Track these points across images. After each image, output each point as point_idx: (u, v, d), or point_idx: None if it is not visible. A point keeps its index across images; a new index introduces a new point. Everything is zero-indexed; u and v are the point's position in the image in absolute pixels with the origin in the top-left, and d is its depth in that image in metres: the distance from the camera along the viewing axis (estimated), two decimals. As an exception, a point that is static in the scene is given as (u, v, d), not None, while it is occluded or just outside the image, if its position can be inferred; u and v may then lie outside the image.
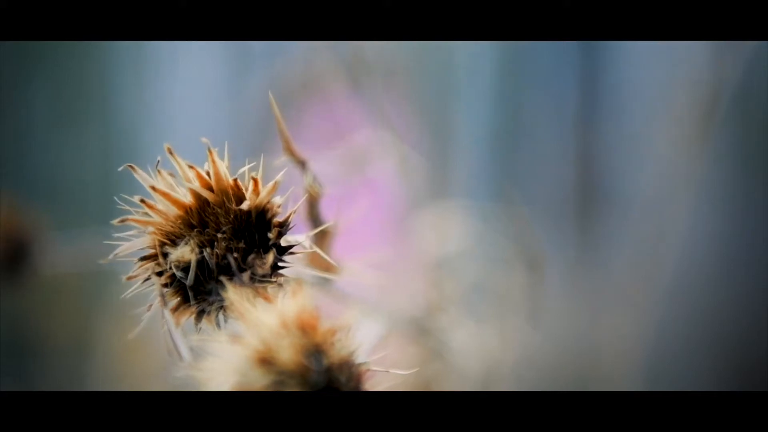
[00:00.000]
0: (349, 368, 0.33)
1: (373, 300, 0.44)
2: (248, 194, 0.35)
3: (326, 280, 0.39)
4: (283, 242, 0.35)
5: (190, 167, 0.35)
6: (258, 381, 0.31)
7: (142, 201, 0.35)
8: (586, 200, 1.25)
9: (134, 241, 0.35)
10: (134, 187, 0.36)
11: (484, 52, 1.25)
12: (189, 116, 1.25)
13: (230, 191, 0.35)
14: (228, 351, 0.32)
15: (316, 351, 0.32)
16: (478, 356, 0.58)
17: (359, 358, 0.34)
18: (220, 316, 0.35)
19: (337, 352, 0.32)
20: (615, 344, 0.93)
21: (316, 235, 0.38)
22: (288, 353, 0.31)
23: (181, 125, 1.24)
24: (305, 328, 0.32)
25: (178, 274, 0.34)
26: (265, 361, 0.31)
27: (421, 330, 0.55)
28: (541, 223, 1.17)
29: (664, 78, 1.09)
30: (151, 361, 0.90)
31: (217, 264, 0.34)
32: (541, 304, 0.65)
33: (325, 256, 0.37)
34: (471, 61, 1.25)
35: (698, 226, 1.14)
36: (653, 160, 1.01)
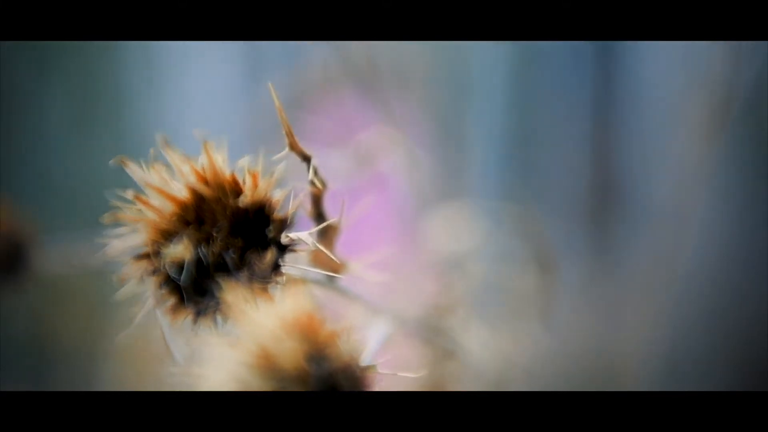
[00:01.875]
0: (352, 372, 0.31)
1: (381, 300, 0.43)
2: (246, 189, 0.33)
3: (330, 279, 0.38)
4: (283, 239, 0.34)
5: (185, 161, 0.33)
6: (256, 387, 0.30)
7: (136, 197, 0.33)
8: (602, 201, 1.25)
9: (126, 239, 0.33)
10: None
11: (499, 54, 1.24)
12: (202, 116, 1.24)
13: (227, 186, 0.33)
14: (225, 355, 0.30)
15: (317, 355, 0.30)
16: (491, 357, 0.57)
17: (364, 361, 0.32)
18: (218, 318, 0.33)
19: (340, 355, 0.31)
20: (631, 345, 0.92)
21: (319, 232, 0.36)
22: (288, 358, 0.30)
23: (194, 125, 1.23)
24: (306, 331, 0.30)
25: (172, 273, 0.32)
26: (264, 366, 0.30)
27: (433, 330, 0.53)
28: (556, 224, 1.16)
29: (680, 79, 1.08)
30: (156, 361, 0.88)
31: (213, 262, 0.33)
32: (553, 304, 0.63)
33: (329, 254, 0.36)
34: (486, 63, 1.24)
35: (714, 228, 1.13)
36: (669, 161, 1.00)
